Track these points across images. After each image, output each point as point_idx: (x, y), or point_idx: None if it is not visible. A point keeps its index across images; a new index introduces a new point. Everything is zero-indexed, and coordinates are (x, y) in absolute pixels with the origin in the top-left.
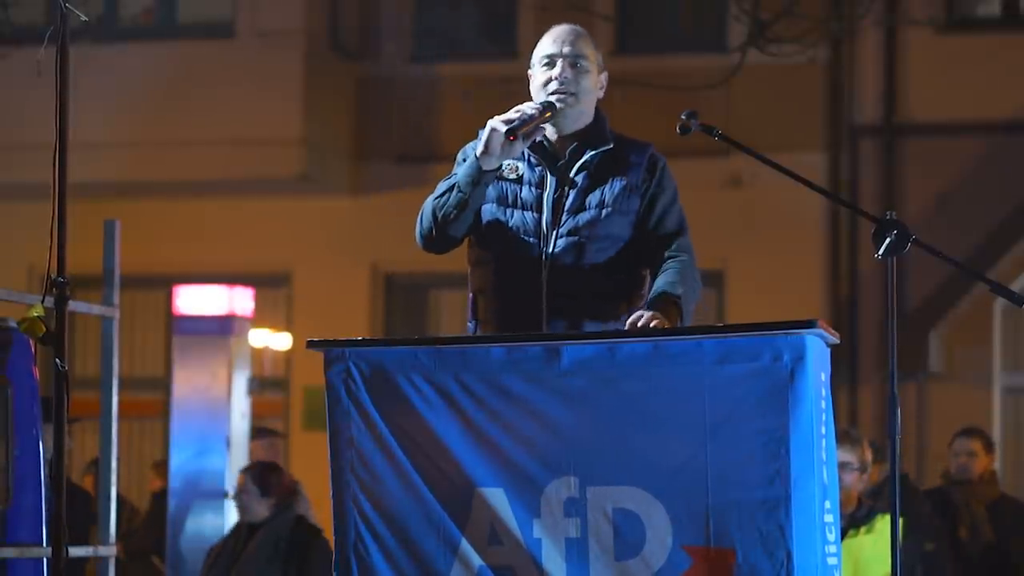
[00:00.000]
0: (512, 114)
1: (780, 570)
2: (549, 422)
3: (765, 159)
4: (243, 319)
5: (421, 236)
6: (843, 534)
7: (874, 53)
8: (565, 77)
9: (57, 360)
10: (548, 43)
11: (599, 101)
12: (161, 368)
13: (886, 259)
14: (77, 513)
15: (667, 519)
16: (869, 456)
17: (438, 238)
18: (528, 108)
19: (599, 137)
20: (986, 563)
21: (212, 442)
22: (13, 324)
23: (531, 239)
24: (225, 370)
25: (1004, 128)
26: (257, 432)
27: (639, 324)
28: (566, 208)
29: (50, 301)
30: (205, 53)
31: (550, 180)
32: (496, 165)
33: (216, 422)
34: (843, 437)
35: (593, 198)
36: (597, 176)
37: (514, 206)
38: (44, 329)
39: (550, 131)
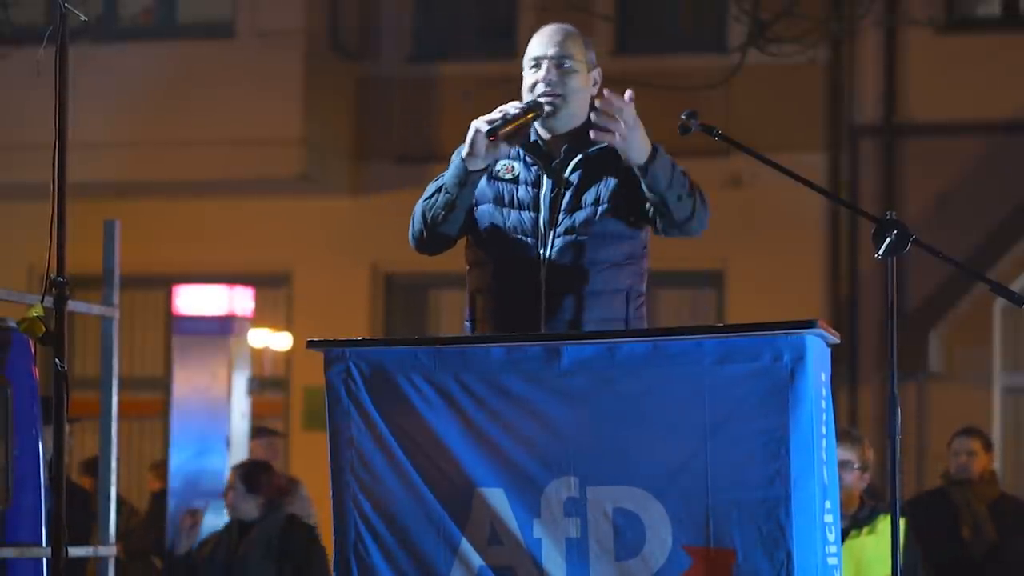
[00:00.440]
0: (495, 114)
1: (780, 570)
2: (549, 422)
3: (765, 159)
4: (243, 319)
5: (413, 238)
6: (845, 534)
7: (874, 53)
8: (551, 79)
9: (57, 360)
10: (535, 45)
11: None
12: (161, 368)
13: (886, 259)
14: (77, 512)
15: (667, 519)
16: (871, 455)
17: (429, 240)
18: (511, 108)
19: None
20: (989, 562)
21: (212, 442)
22: (13, 324)
23: (528, 239)
24: (225, 370)
25: (1004, 128)
26: (257, 432)
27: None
28: (563, 207)
29: (50, 301)
30: (205, 53)
31: (546, 179)
32: (482, 166)
33: (216, 422)
34: (844, 436)
35: (589, 196)
36: (592, 174)
37: (511, 206)
38: (44, 329)
39: (544, 131)
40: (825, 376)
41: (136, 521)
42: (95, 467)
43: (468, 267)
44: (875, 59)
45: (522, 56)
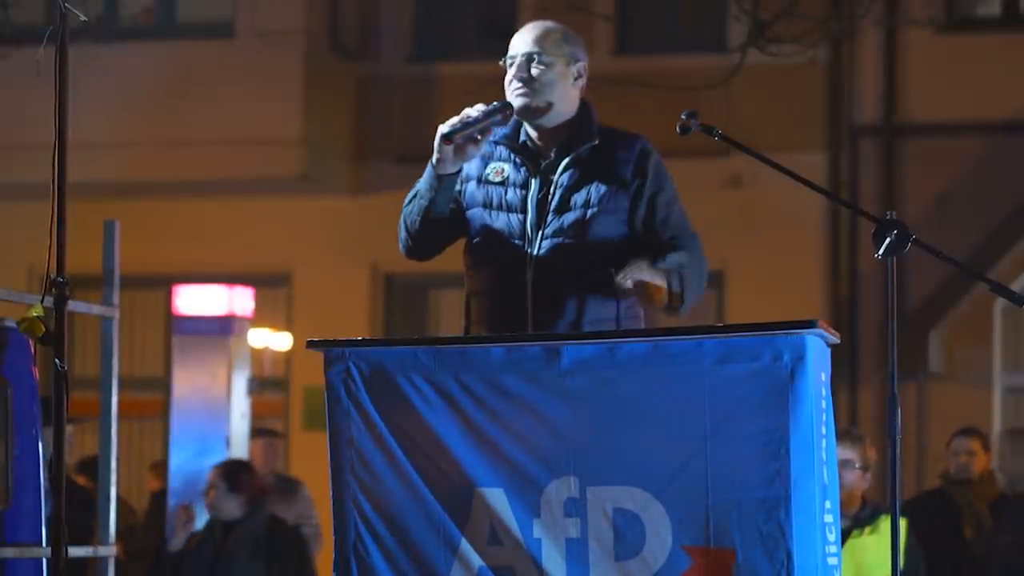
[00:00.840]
0: (455, 118)
1: (780, 570)
2: (549, 422)
3: (765, 159)
4: (243, 319)
5: (402, 245)
6: (847, 534)
7: (874, 53)
8: (522, 76)
9: (57, 360)
10: (511, 44)
11: (589, 95)
12: (161, 368)
13: (886, 259)
14: (77, 511)
15: (667, 519)
16: (872, 455)
17: (414, 246)
18: (473, 111)
19: (583, 133)
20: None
21: (212, 442)
22: (13, 324)
23: (516, 241)
24: (225, 370)
25: (1004, 128)
26: (256, 432)
27: (628, 272)
28: (551, 209)
29: (50, 301)
30: (205, 53)
31: (534, 181)
32: (452, 170)
33: (216, 422)
34: (845, 435)
35: (579, 198)
36: (582, 175)
37: (499, 209)
38: (44, 329)
39: (532, 131)
40: (825, 376)
41: (134, 521)
42: (91, 466)
43: (465, 269)
44: (875, 59)
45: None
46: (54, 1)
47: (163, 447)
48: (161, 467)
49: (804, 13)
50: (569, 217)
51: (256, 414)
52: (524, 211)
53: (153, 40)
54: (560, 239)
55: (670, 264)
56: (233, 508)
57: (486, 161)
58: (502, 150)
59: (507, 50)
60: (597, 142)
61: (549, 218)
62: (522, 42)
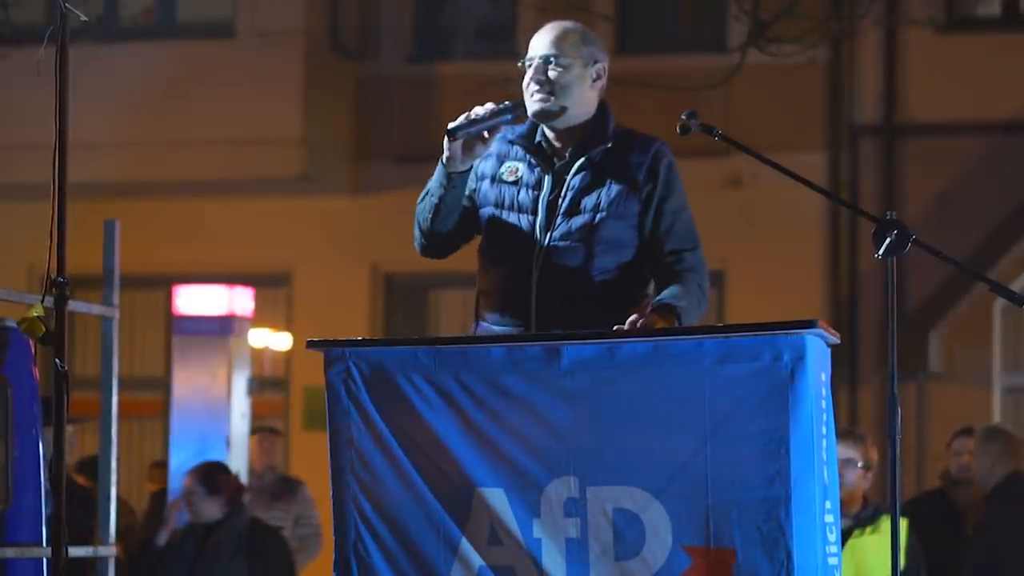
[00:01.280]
0: (463, 116)
1: (780, 570)
2: (549, 422)
3: (765, 159)
4: (243, 319)
5: (417, 244)
6: (848, 534)
7: (874, 53)
8: (539, 79)
9: (57, 360)
10: (529, 47)
11: (607, 95)
12: (161, 368)
13: (886, 259)
14: (77, 511)
15: (667, 519)
16: (874, 454)
17: (429, 245)
18: (481, 109)
19: (598, 136)
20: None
21: (212, 442)
22: (13, 324)
23: (526, 242)
24: (225, 370)
25: (1004, 128)
26: (254, 429)
27: (636, 327)
28: (560, 211)
29: (50, 301)
30: (205, 53)
31: (547, 182)
32: (461, 168)
33: (216, 422)
34: (847, 434)
35: (589, 201)
36: (594, 178)
37: (511, 209)
38: (44, 329)
39: (549, 132)
40: (825, 376)
41: (133, 521)
42: (91, 466)
43: (477, 268)
44: (875, 59)
45: (522, 56)
46: (54, 1)
47: (163, 447)
48: (158, 469)
49: (804, 13)
50: (578, 220)
51: (256, 414)
52: (535, 212)
53: (153, 40)
54: (568, 242)
55: (667, 299)
56: (213, 510)
57: (501, 160)
58: (518, 150)
59: (506, 49)
60: (611, 144)
61: (558, 220)
62: (540, 44)
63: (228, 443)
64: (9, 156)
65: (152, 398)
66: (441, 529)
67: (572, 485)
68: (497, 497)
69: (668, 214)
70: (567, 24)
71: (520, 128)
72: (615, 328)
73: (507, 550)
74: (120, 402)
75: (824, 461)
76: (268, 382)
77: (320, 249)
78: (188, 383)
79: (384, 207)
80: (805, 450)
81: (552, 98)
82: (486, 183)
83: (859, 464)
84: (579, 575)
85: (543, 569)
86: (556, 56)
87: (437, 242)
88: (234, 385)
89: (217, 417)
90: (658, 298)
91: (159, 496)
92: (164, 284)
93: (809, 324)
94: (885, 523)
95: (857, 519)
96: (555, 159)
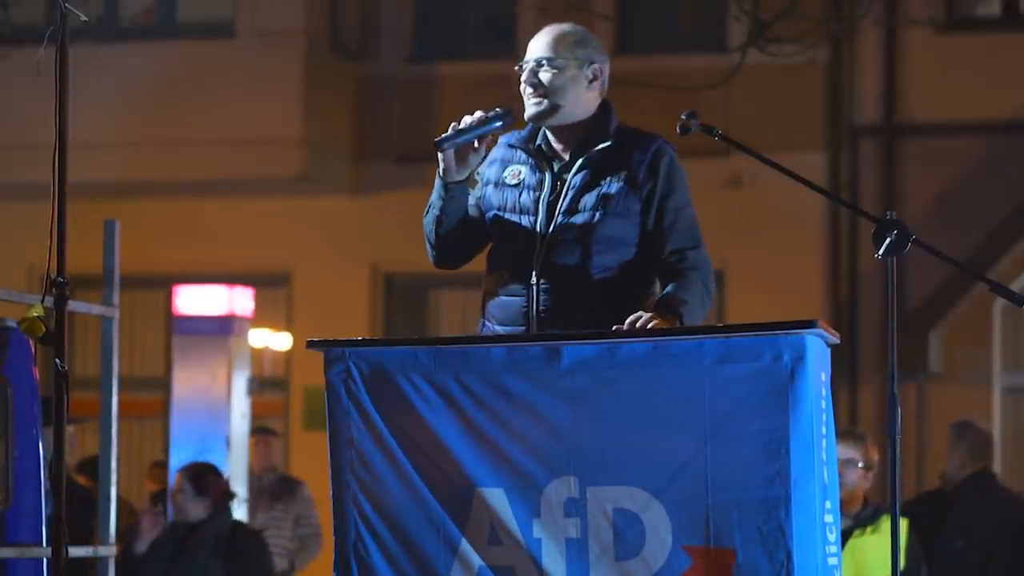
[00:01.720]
0: (451, 127)
1: (780, 570)
2: (549, 422)
3: (765, 159)
4: (243, 319)
5: (431, 257)
6: (848, 534)
7: (874, 53)
8: (532, 81)
9: (57, 360)
10: (528, 49)
11: (609, 95)
12: (161, 368)
13: (886, 259)
14: (78, 511)
15: (667, 519)
16: (874, 454)
17: (440, 256)
18: (468, 118)
19: (598, 135)
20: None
21: (212, 442)
22: (13, 324)
23: (527, 242)
24: (225, 370)
25: (1004, 128)
26: (252, 430)
27: (636, 325)
28: (560, 210)
29: (50, 301)
30: (205, 53)
31: (547, 182)
32: (458, 178)
33: (216, 422)
34: (848, 434)
35: (589, 199)
36: (594, 176)
37: (513, 211)
38: (44, 329)
39: (549, 133)
40: (825, 376)
41: (134, 521)
42: (91, 466)
43: (485, 270)
44: (875, 59)
45: (522, 56)
46: (54, 1)
47: (163, 447)
48: (158, 469)
49: (804, 13)
50: (577, 219)
51: (256, 414)
52: (536, 213)
53: (153, 40)
54: (567, 241)
55: (669, 298)
56: (198, 510)
57: (505, 165)
58: (520, 153)
59: (506, 49)
60: (611, 143)
61: (558, 219)
62: (535, 47)
63: (228, 443)
64: (9, 156)
65: (152, 398)
66: (441, 529)
67: (572, 485)
68: (497, 497)
69: (669, 212)
70: (564, 27)
71: (522, 132)
72: (615, 328)
73: (507, 550)
74: (120, 402)
75: (824, 461)
76: (268, 382)
77: (320, 249)
78: (188, 383)
79: (384, 207)
80: (805, 450)
81: (545, 100)
82: (490, 188)
83: (859, 464)
84: (579, 575)
85: (543, 569)
86: (550, 59)
87: (448, 252)
88: (234, 385)
89: (217, 417)
90: (660, 297)
91: (159, 496)
92: (164, 284)
93: (809, 324)
94: (885, 523)
95: (857, 519)
96: (555, 160)
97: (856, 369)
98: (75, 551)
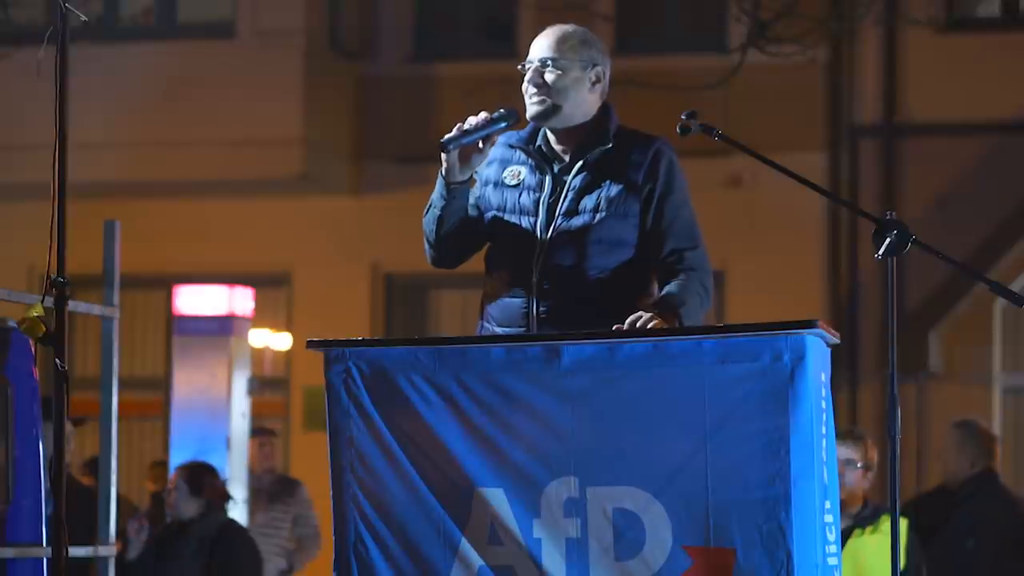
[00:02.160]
0: (455, 127)
1: (780, 570)
2: (549, 422)
3: (765, 159)
4: (243, 319)
5: (427, 256)
6: (848, 534)
7: (874, 53)
8: (535, 82)
9: (57, 360)
10: (530, 49)
11: (609, 95)
12: (161, 368)
13: (886, 259)
14: (83, 511)
15: (667, 519)
16: (874, 454)
17: (437, 256)
18: (473, 119)
19: (599, 137)
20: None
21: (212, 442)
22: (13, 324)
23: (526, 243)
24: (225, 370)
25: (1004, 128)
26: (251, 432)
27: (636, 325)
28: (560, 212)
29: (50, 301)
30: (205, 53)
31: (547, 183)
32: (460, 178)
33: (216, 422)
34: (847, 435)
35: (588, 201)
36: (594, 178)
37: (513, 212)
38: (44, 329)
39: (550, 134)
40: (825, 376)
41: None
42: (96, 467)
43: (485, 271)
44: (875, 59)
45: (522, 56)
46: (54, 1)
47: (163, 447)
48: (157, 469)
49: (804, 13)
50: (577, 221)
51: (256, 414)
52: (535, 214)
53: (153, 40)
54: (567, 243)
55: (669, 298)
56: (191, 510)
57: (505, 165)
58: (520, 154)
59: (506, 49)
60: (611, 145)
61: (557, 221)
62: (539, 47)
63: (228, 443)
64: (9, 156)
65: (152, 398)
66: (441, 529)
67: (572, 485)
68: (497, 497)
69: (668, 212)
70: (567, 27)
71: (522, 132)
72: (615, 328)
73: (507, 550)
74: (120, 402)
75: (824, 461)
76: (268, 382)
77: (320, 249)
78: (188, 383)
79: (384, 207)
80: (805, 450)
81: (548, 100)
82: (490, 188)
83: (859, 464)
84: (579, 575)
85: (543, 569)
86: (554, 59)
87: (446, 252)
88: (234, 385)
89: (217, 417)
90: (659, 297)
91: (159, 496)
92: (164, 284)
93: (809, 324)
94: (885, 523)
95: (857, 519)
96: (556, 161)
97: (856, 369)
98: (75, 551)
